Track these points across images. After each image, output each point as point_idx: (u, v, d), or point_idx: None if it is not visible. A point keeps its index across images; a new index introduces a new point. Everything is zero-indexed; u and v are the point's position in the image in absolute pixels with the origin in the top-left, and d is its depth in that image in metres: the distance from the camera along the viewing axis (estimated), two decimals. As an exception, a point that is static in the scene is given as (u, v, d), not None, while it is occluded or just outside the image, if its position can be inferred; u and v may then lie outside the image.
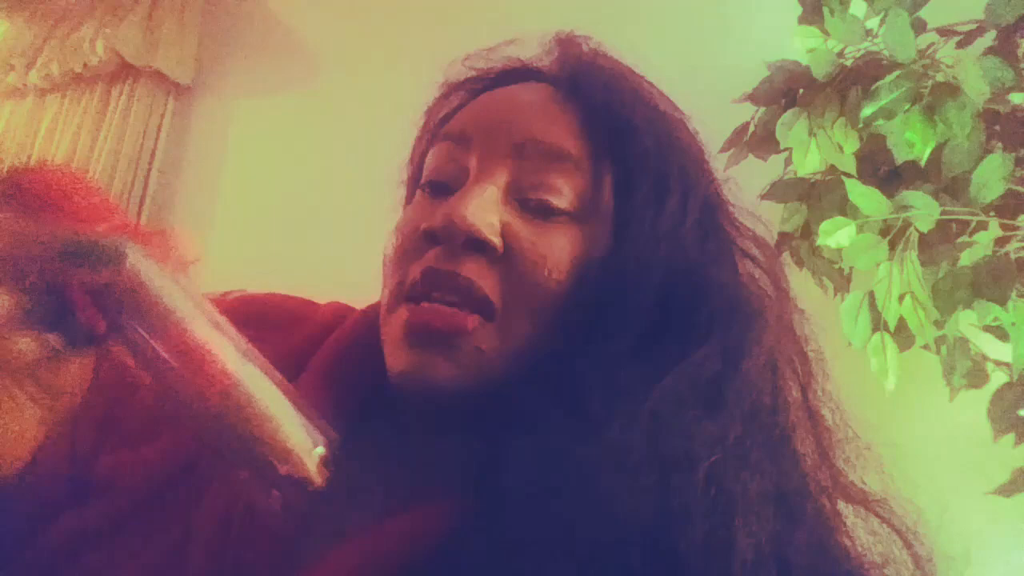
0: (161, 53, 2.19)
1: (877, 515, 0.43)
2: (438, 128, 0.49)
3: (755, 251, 0.49)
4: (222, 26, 2.28)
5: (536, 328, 0.41)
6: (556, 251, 0.42)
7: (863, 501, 0.44)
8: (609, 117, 0.45)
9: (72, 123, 2.30)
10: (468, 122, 0.46)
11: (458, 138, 0.46)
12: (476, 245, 0.41)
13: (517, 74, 0.51)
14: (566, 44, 0.51)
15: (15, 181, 0.33)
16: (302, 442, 0.32)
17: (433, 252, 0.42)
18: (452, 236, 0.41)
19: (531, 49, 0.52)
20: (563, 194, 0.43)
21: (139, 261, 0.31)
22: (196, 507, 0.40)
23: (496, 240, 0.41)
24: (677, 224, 0.44)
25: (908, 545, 0.42)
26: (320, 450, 0.32)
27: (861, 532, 0.43)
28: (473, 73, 0.52)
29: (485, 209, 0.41)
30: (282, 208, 1.89)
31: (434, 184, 0.46)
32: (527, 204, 0.43)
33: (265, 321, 0.50)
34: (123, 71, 2.26)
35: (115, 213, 0.34)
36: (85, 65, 2.26)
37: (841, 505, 0.43)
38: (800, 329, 0.47)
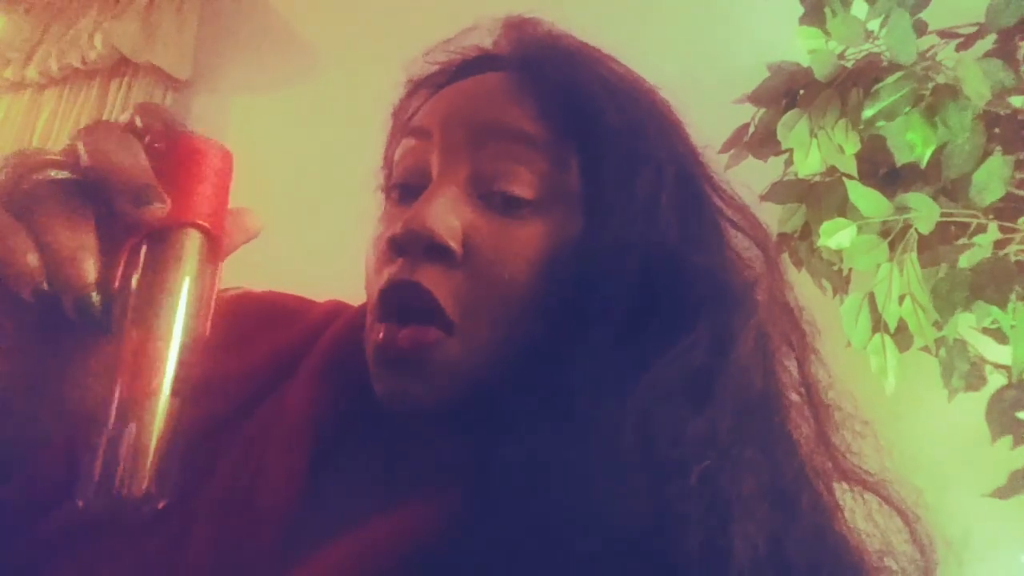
0: (159, 48, 2.18)
1: (878, 495, 0.42)
2: (404, 127, 0.48)
3: (742, 221, 0.47)
4: (220, 21, 2.27)
5: (503, 330, 0.40)
6: (518, 249, 0.41)
7: (862, 482, 0.43)
8: (568, 97, 0.44)
9: (70, 118, 2.29)
10: (427, 116, 0.46)
11: (419, 133, 0.45)
12: (437, 251, 0.40)
13: (478, 64, 0.49)
14: (518, 28, 0.49)
15: (177, 137, 0.31)
16: None
17: (398, 262, 0.41)
18: (414, 243, 0.40)
19: (492, 35, 0.50)
20: (525, 181, 0.42)
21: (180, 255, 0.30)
22: (194, 498, 0.39)
23: (454, 245, 0.40)
24: (651, 201, 0.43)
25: (908, 524, 0.41)
26: None
27: (859, 519, 0.42)
28: (435, 68, 0.51)
29: (446, 212, 0.41)
30: (280, 204, 1.88)
31: (401, 187, 0.45)
32: (490, 199, 0.42)
33: (262, 318, 0.50)
34: (121, 66, 2.26)
35: (213, 199, 0.32)
36: (83, 60, 2.26)
37: (839, 491, 0.42)
38: (793, 300, 0.46)
